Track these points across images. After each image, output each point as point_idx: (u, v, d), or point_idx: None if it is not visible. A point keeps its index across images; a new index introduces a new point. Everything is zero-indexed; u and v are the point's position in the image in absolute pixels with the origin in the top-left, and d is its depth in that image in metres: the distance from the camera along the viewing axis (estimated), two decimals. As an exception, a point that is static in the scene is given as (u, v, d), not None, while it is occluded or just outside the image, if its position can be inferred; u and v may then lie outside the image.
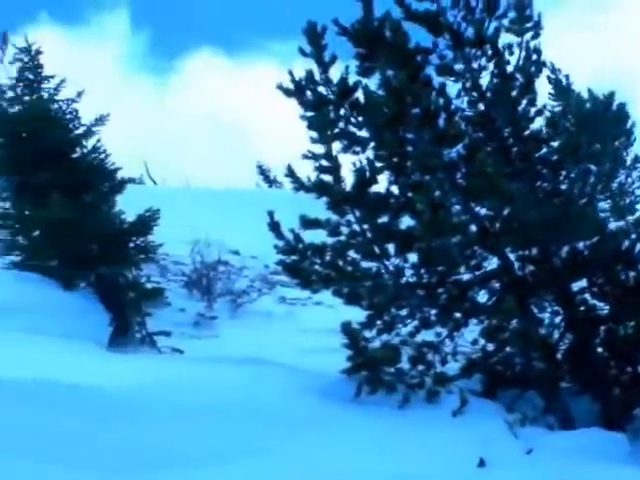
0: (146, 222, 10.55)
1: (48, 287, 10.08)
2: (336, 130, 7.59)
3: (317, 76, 7.57)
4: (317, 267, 7.68)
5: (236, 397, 6.66)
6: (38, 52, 10.58)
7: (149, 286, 11.21)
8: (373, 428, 6.45)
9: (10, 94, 10.64)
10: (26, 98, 10.60)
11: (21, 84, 10.59)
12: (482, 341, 7.39)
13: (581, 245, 7.55)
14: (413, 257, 7.47)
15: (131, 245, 10.66)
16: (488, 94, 7.57)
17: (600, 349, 7.47)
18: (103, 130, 10.95)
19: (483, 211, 7.48)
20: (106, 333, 9.72)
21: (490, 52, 7.57)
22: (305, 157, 7.57)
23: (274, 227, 7.77)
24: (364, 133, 7.58)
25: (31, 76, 10.63)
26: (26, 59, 10.57)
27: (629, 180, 23.07)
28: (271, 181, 33.70)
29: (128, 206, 10.95)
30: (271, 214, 7.80)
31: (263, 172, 34.15)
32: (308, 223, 7.60)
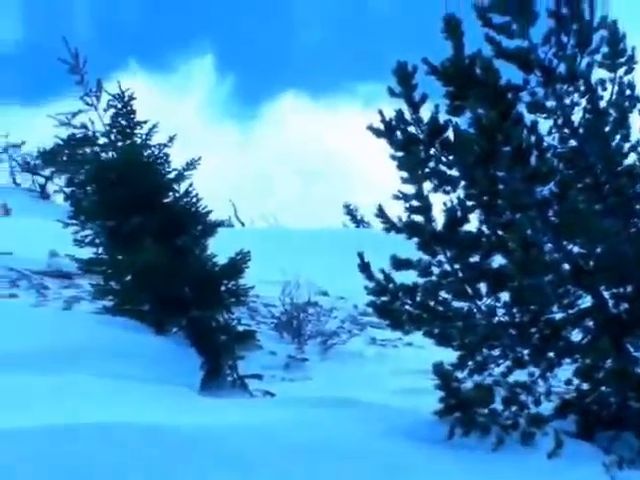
0: (237, 265, 10.63)
1: (140, 332, 10.17)
2: (426, 170, 7.62)
3: (407, 116, 7.60)
4: (408, 308, 7.66)
5: (328, 439, 6.64)
6: (131, 98, 10.80)
7: (240, 329, 11.25)
8: (467, 472, 6.38)
9: (104, 140, 10.82)
10: (119, 144, 10.78)
11: (114, 130, 10.78)
12: (576, 381, 7.31)
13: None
14: (505, 296, 7.41)
15: (222, 288, 10.72)
16: (580, 130, 7.54)
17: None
18: (194, 174, 11.07)
19: (576, 249, 7.40)
20: (198, 377, 9.77)
21: (582, 88, 7.53)
22: (396, 197, 7.60)
23: (364, 268, 7.79)
24: (455, 172, 7.60)
25: (124, 122, 10.83)
26: (119, 105, 10.77)
27: None
28: (358, 221, 33.89)
29: (217, 249, 11.05)
30: (361, 255, 7.83)
31: (350, 212, 34.36)
32: (399, 264, 7.61)
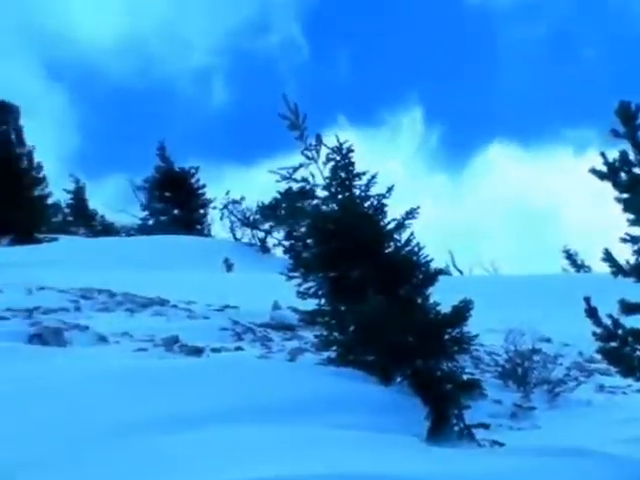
0: (460, 313, 10.61)
1: (365, 382, 10.27)
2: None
3: (631, 156, 7.45)
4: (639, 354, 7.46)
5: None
6: (349, 151, 11.04)
7: (465, 378, 11.19)
8: None
9: (324, 193, 11.07)
10: (339, 196, 10.99)
11: (334, 182, 11.00)
12: None
13: None
14: None
15: (446, 337, 10.70)
16: None
17: None
18: (413, 223, 11.15)
19: None
20: (424, 427, 9.79)
21: None
22: (623, 240, 7.45)
23: (591, 313, 7.67)
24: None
25: (343, 174, 11.04)
26: (338, 158, 11.00)
27: None
28: (578, 265, 33.34)
29: (438, 297, 11.06)
30: (587, 300, 7.70)
31: (570, 257, 33.87)
32: (628, 308, 7.44)
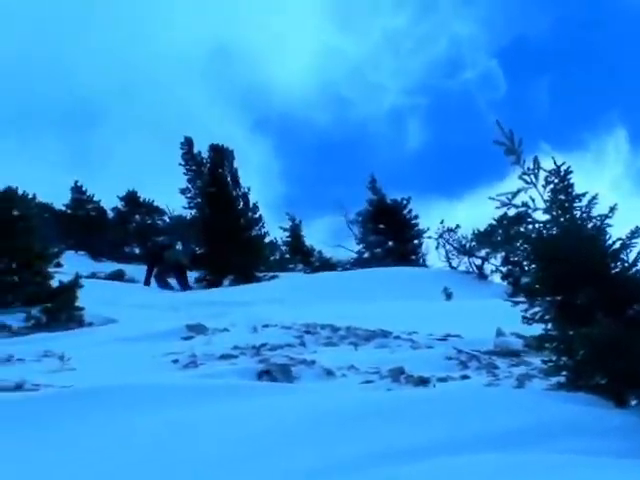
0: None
1: (598, 406, 10.07)
2: None
3: None
4: None
5: None
6: (567, 172, 10.89)
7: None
8: None
9: (544, 217, 10.98)
10: (561, 219, 10.87)
11: (554, 205, 10.90)
12: None
13: None
14: None
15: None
16: None
17: None
18: (638, 242, 10.89)
19: None
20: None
21: None
22: None
23: None
24: None
25: (562, 197, 10.91)
26: (556, 180, 10.89)
27: None
28: None
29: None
30: None
31: None
32: None
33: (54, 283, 24.70)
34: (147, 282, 43.35)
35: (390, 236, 58.21)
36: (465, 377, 13.87)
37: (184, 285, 43.27)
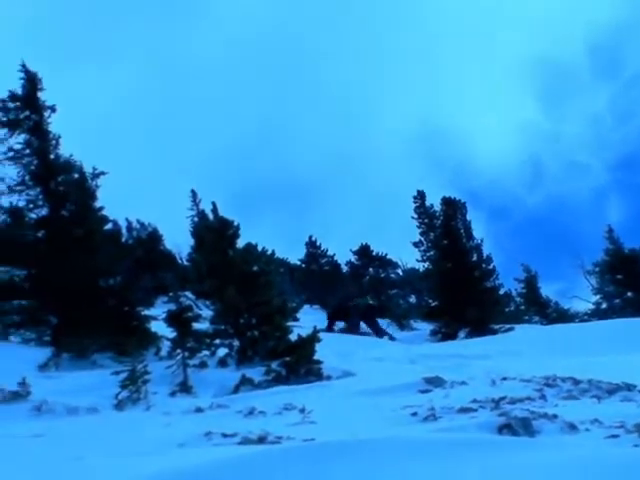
0: None
1: None
2: None
3: None
4: None
5: None
6: None
7: None
8: None
9: None
10: None
11: None
12: None
13: None
14: None
15: None
16: None
17: None
18: None
19: None
20: None
21: None
22: None
23: None
24: None
25: None
26: None
27: None
28: None
29: None
30: None
31: None
32: None
33: (292, 337, 25.24)
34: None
35: (628, 286, 56.47)
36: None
37: (379, 330, 43.97)
